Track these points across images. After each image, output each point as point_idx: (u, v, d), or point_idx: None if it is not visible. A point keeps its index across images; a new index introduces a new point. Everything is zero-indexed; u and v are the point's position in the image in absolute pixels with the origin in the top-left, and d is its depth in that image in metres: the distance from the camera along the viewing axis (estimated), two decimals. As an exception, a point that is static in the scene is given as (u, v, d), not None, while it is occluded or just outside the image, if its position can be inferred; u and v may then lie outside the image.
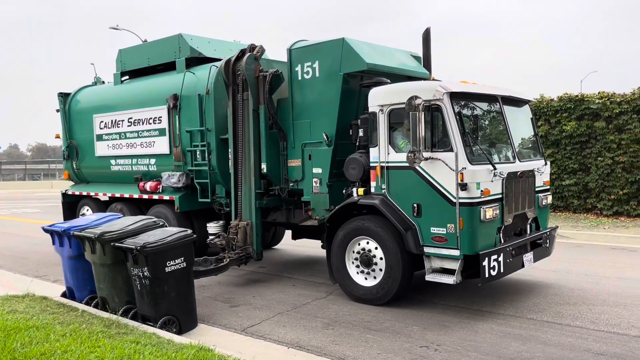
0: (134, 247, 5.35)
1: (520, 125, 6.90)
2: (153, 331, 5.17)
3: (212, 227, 8.58)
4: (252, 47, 7.82)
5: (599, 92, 12.90)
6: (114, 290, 5.90)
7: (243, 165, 7.80)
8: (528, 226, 6.69)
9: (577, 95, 13.14)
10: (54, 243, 6.46)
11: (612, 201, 12.66)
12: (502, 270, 5.92)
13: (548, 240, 6.88)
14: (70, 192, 11.19)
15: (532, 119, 7.28)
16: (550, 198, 7.14)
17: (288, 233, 9.88)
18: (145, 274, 5.39)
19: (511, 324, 5.71)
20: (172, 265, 5.49)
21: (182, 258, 5.59)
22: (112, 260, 5.73)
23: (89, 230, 5.88)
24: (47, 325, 5.22)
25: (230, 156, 8.09)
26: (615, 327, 5.56)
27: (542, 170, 6.89)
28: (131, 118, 9.69)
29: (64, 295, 6.62)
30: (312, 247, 10.10)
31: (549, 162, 7.30)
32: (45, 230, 6.49)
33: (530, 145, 7.19)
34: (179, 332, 5.45)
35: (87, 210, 10.85)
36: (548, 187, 7.12)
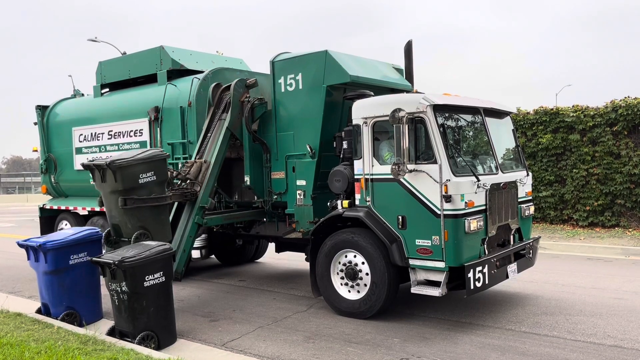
0: (111, 261, 5.22)
1: (502, 136, 6.95)
2: (131, 347, 5.03)
3: (195, 241, 8.43)
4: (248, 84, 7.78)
5: (573, 106, 13.12)
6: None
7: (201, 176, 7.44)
8: (511, 237, 6.71)
9: (552, 109, 13.35)
10: (29, 258, 6.27)
11: (587, 212, 12.83)
12: (487, 282, 5.91)
13: (531, 251, 6.91)
14: (48, 207, 10.95)
15: (513, 130, 7.35)
16: (532, 209, 7.18)
17: (271, 247, 9.78)
18: (124, 289, 5.26)
19: (490, 334, 5.71)
20: (150, 279, 5.36)
21: (161, 272, 5.47)
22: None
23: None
24: (21, 343, 5.05)
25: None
26: (591, 336, 5.60)
27: (524, 181, 6.93)
28: (111, 131, 9.54)
29: (39, 311, 6.42)
30: (293, 260, 10.02)
31: (530, 173, 7.35)
32: (20, 245, 6.30)
33: (512, 156, 7.24)
34: (158, 348, 5.32)
35: (66, 224, 10.63)
36: (530, 197, 7.16)
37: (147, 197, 6.15)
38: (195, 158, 7.54)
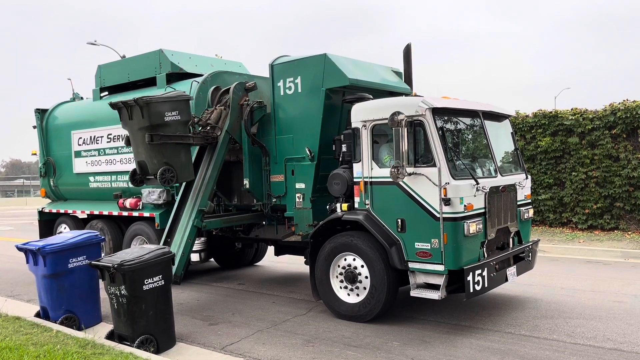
0: (110, 265, 5.21)
1: (501, 139, 6.96)
2: (130, 351, 5.02)
3: (194, 244, 8.43)
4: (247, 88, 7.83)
5: (572, 109, 13.15)
6: None
7: (198, 180, 7.54)
8: (511, 240, 6.70)
9: (551, 112, 13.38)
10: (28, 262, 6.26)
11: (586, 215, 12.84)
12: (486, 285, 5.91)
13: (530, 254, 6.91)
14: (47, 210, 10.94)
15: (512, 133, 7.35)
16: (532, 212, 7.18)
17: (270, 250, 9.78)
18: (123, 292, 5.25)
19: (490, 338, 5.70)
20: (150, 283, 5.36)
21: (160, 276, 5.47)
22: None
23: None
24: (20, 346, 5.03)
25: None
26: (591, 340, 5.59)
27: (523, 184, 6.93)
28: (111, 134, 9.54)
29: (37, 315, 6.40)
30: (293, 263, 10.01)
31: (529, 176, 7.36)
32: (19, 249, 6.30)
33: (511, 159, 7.25)
34: (157, 352, 5.31)
35: (65, 228, 10.61)
36: (529, 200, 7.17)
37: (172, 134, 6.66)
38: (215, 106, 7.80)
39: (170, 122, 6.63)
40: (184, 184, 7.65)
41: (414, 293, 5.95)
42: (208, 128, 7.56)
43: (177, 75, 8.98)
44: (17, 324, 5.96)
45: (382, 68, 7.89)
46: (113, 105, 6.70)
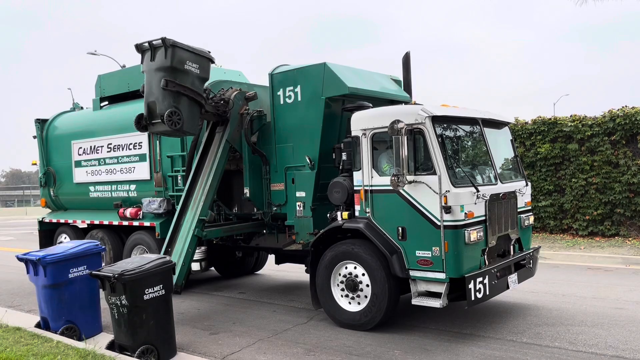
0: (111, 274, 5.20)
1: (500, 147, 6.97)
2: (131, 362, 5.00)
3: (195, 253, 8.42)
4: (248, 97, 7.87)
5: (571, 115, 13.19)
6: None
7: (199, 189, 7.55)
8: (511, 247, 6.70)
9: (550, 118, 13.42)
10: (28, 272, 6.25)
11: (587, 221, 12.84)
12: (487, 293, 5.90)
13: (531, 261, 6.90)
14: (47, 220, 10.93)
15: (512, 140, 7.37)
16: (532, 219, 7.18)
17: (271, 258, 9.76)
18: (123, 302, 5.24)
19: (491, 346, 5.69)
20: (150, 292, 5.34)
21: (161, 285, 5.46)
22: None
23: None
24: (20, 357, 5.02)
25: (180, 175, 8.26)
26: (593, 347, 5.57)
27: (523, 191, 6.94)
28: (111, 144, 9.56)
29: (38, 325, 6.38)
30: (293, 272, 9.99)
31: (529, 183, 7.36)
32: (20, 259, 6.29)
33: (511, 166, 7.26)
34: (159, 362, 5.28)
35: (65, 238, 10.59)
36: (530, 207, 7.17)
37: (188, 86, 6.64)
38: (231, 87, 7.86)
39: (190, 71, 6.64)
40: (183, 194, 7.66)
41: (415, 301, 5.93)
42: (222, 102, 7.55)
43: (177, 85, 8.99)
44: (18, 334, 5.94)
45: (382, 76, 7.92)
46: (138, 47, 6.68)
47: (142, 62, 6.78)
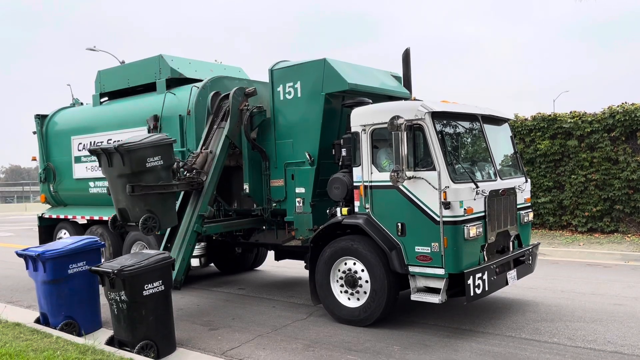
0: (110, 270, 5.21)
1: (500, 143, 6.97)
2: (130, 357, 5.02)
3: (194, 249, 8.42)
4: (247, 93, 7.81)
5: (571, 112, 13.17)
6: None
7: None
8: (510, 243, 6.70)
9: (550, 115, 13.40)
10: (27, 268, 6.25)
11: (586, 218, 12.85)
12: (486, 289, 5.90)
13: (531, 257, 6.90)
14: (47, 216, 10.94)
15: (511, 137, 7.37)
16: (531, 215, 7.18)
17: (270, 254, 9.76)
18: (123, 298, 5.25)
19: (490, 341, 5.70)
20: (150, 288, 5.35)
21: (160, 281, 5.46)
22: None
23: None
24: (20, 353, 5.02)
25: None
26: (591, 343, 5.59)
27: (523, 188, 6.94)
28: (110, 140, 9.52)
29: (37, 321, 6.39)
30: (293, 268, 10.00)
31: (529, 180, 7.36)
32: (19, 255, 6.28)
33: (510, 162, 7.26)
34: (157, 357, 5.31)
35: (65, 233, 10.61)
36: (529, 204, 7.17)
37: (154, 184, 6.21)
38: (200, 149, 7.58)
39: (153, 167, 6.15)
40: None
41: (414, 297, 5.94)
42: (194, 172, 7.25)
43: (176, 81, 8.99)
44: (17, 330, 5.95)
45: (382, 72, 7.91)
46: (92, 152, 6.32)
47: (99, 165, 6.39)
